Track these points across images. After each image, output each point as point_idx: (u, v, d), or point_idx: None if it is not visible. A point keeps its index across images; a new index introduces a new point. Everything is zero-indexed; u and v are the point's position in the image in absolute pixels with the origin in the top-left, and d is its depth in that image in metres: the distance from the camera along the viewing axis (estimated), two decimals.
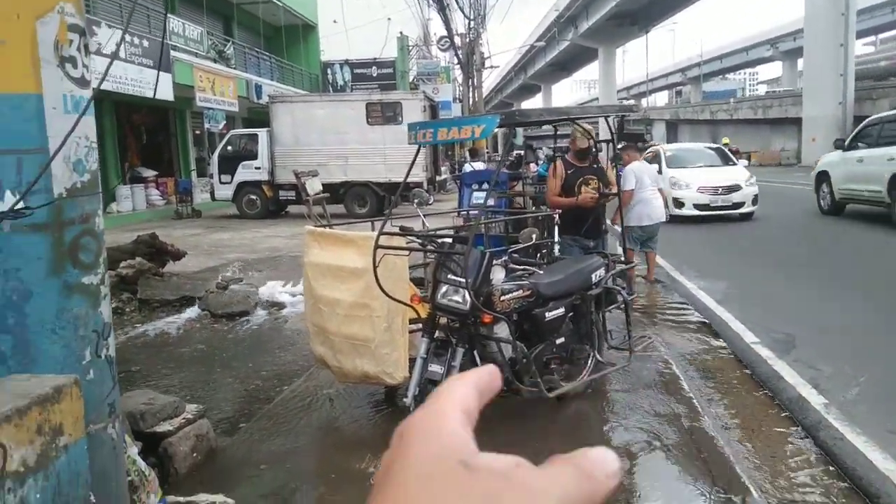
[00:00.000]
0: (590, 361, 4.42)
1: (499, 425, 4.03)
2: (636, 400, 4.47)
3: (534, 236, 4.05)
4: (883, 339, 5.72)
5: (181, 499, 3.26)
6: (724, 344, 5.72)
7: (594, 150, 5.62)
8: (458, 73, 38.70)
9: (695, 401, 4.44)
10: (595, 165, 5.66)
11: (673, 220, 12.27)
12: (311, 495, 3.35)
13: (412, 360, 3.96)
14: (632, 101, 78.56)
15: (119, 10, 16.25)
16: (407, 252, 3.97)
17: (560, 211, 5.34)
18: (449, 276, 3.54)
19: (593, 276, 4.32)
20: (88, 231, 2.41)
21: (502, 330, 3.79)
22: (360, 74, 33.04)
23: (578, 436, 3.99)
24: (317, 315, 4.32)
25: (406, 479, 0.37)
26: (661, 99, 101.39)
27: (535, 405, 4.31)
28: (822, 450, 3.77)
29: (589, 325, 4.33)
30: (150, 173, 19.41)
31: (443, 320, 3.72)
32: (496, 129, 3.81)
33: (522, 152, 14.93)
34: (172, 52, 17.12)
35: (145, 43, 15.30)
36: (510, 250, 3.89)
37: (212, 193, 18.63)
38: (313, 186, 8.59)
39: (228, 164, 17.88)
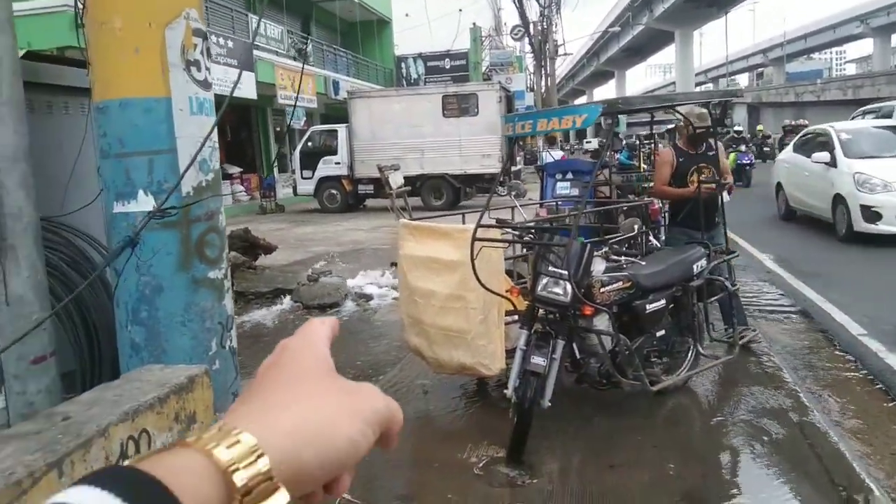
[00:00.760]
0: (691, 354, 4.31)
1: (597, 417, 4.01)
2: (738, 394, 4.34)
3: (636, 227, 3.97)
4: None
5: None
6: (827, 336, 5.48)
7: (710, 133, 5.20)
8: (529, 62, 38.37)
9: (801, 395, 4.28)
10: (710, 153, 5.21)
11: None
12: (418, 484, 3.41)
13: (508, 352, 3.96)
14: (735, 86, 75.82)
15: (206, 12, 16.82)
16: (504, 244, 3.96)
17: (659, 202, 5.20)
18: (550, 267, 3.51)
19: (694, 266, 4.20)
20: (213, 228, 2.52)
21: (602, 322, 3.73)
22: (434, 67, 33.18)
23: (678, 431, 3.91)
24: (412, 306, 4.37)
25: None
26: (741, 82, 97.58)
27: (633, 398, 4.25)
28: None
29: (690, 317, 4.22)
30: (234, 170, 20.09)
31: (541, 312, 3.70)
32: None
33: (628, 140, 14.70)
34: (255, 52, 17.64)
35: (230, 44, 15.81)
36: (610, 241, 3.82)
37: (294, 188, 19.14)
38: (396, 180, 8.67)
39: (309, 160, 18.31)
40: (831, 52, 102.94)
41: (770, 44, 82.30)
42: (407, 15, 34.98)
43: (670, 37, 68.04)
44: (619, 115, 7.15)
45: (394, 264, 6.39)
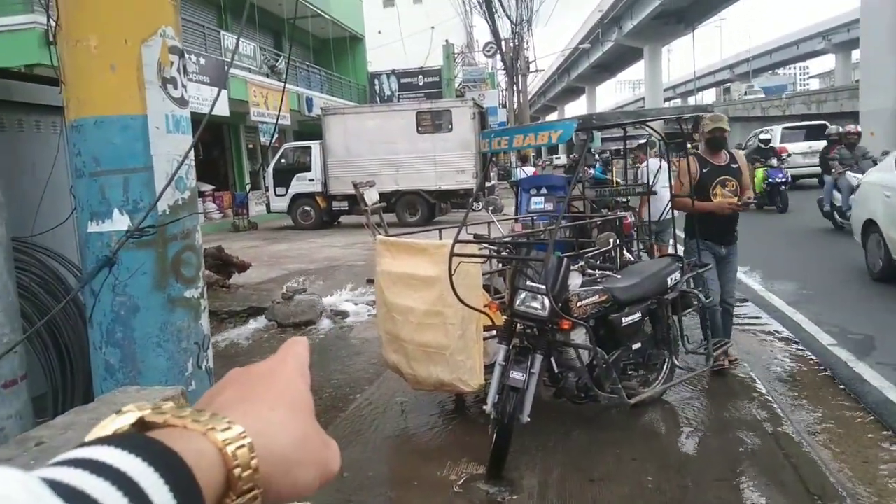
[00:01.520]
0: (666, 367, 4.36)
1: (576, 431, 4.02)
2: (714, 405, 4.39)
3: (611, 241, 4.02)
4: None
5: None
6: (800, 347, 5.57)
7: (727, 139, 5.04)
8: (502, 79, 38.72)
9: (775, 406, 4.34)
10: (733, 165, 4.97)
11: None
12: (397, 503, 3.38)
13: (487, 368, 3.97)
14: (709, 101, 77.22)
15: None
16: (481, 260, 3.98)
17: (632, 216, 5.23)
18: (527, 282, 3.53)
19: (669, 279, 4.26)
20: (189, 246, 2.50)
21: (579, 336, 3.76)
22: (407, 84, 33.35)
23: (656, 443, 3.93)
24: (389, 323, 4.36)
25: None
26: (708, 97, 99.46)
27: (611, 411, 4.28)
28: None
29: (665, 329, 4.27)
30: (206, 187, 19.91)
31: (519, 327, 3.72)
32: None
33: (602, 155, 14.68)
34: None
35: (202, 61, 15.73)
36: (586, 255, 3.86)
37: (267, 206, 19.02)
38: (371, 196, 8.67)
39: (283, 177, 18.24)
40: (795, 68, 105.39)
41: (736, 59, 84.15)
42: (380, 32, 35.14)
43: (639, 53, 69.18)
44: (594, 131, 7.25)
45: (370, 281, 6.37)
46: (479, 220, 5.38)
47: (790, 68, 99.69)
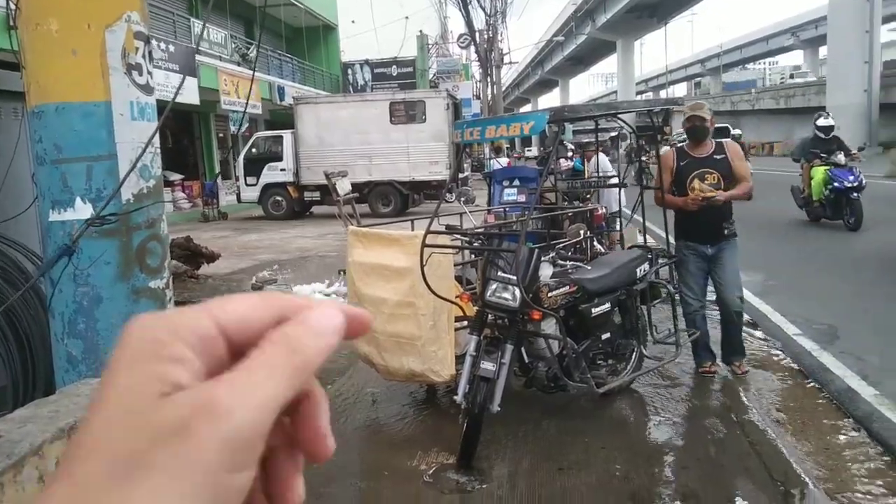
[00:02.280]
0: (634, 356, 4.41)
1: (546, 421, 4.05)
2: (681, 394, 4.45)
3: (581, 232, 4.05)
4: None
5: None
6: (766, 337, 5.67)
7: (708, 129, 4.60)
8: (476, 70, 38.70)
9: (741, 394, 4.41)
10: (717, 156, 4.56)
11: None
12: (367, 493, 3.38)
13: (458, 358, 3.98)
14: (680, 94, 77.94)
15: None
16: (453, 251, 3.98)
17: (603, 208, 5.24)
18: (499, 273, 3.54)
19: (638, 270, 4.30)
20: (154, 236, 2.45)
21: (549, 326, 3.78)
22: (380, 74, 33.13)
23: (624, 432, 3.98)
24: None
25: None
26: (679, 91, 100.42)
27: (578, 401, 4.31)
28: (877, 441, 3.73)
29: (634, 320, 4.31)
30: (175, 177, 19.62)
31: (490, 317, 3.73)
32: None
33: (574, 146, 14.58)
34: (197, 56, 17.28)
35: (171, 48, 15.46)
36: (557, 246, 3.88)
37: (238, 195, 18.81)
38: (343, 187, 8.62)
39: (254, 167, 18.04)
40: (765, 63, 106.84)
41: (707, 54, 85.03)
42: (353, 21, 34.83)
43: (612, 46, 69.61)
44: (566, 123, 7.28)
45: (342, 272, 6.33)
46: (451, 211, 5.37)
47: (760, 63, 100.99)
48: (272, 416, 0.31)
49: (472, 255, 4.62)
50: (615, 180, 7.47)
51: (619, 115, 4.67)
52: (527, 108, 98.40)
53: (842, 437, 3.85)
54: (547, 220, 5.82)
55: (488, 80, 33.79)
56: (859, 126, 30.19)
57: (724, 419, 4.01)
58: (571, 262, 4.07)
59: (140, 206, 2.35)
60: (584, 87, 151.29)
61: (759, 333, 5.77)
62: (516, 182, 7.55)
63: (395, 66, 33.20)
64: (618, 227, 7.68)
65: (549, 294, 3.71)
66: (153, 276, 2.47)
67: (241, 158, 18.54)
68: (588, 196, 7.72)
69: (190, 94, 15.99)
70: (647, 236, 4.97)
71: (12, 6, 2.42)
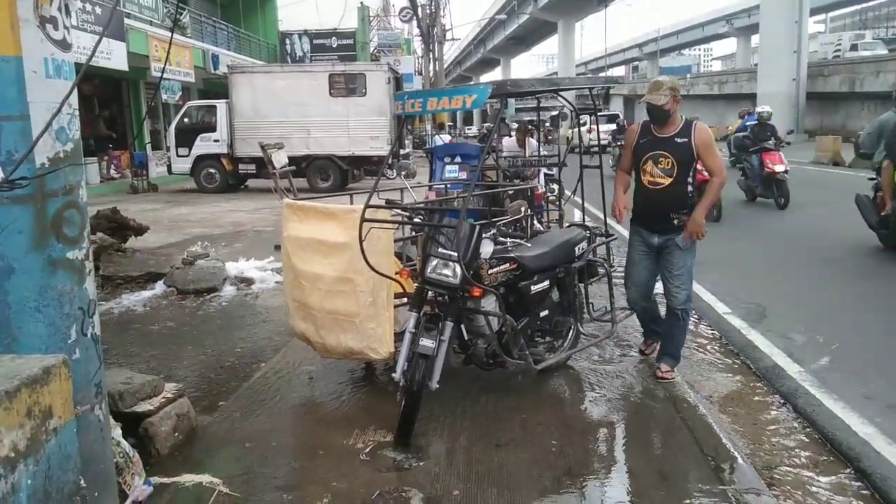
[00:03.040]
0: (572, 333, 4.44)
1: (484, 397, 4.04)
2: (616, 371, 4.51)
3: (522, 209, 4.02)
4: (849, 307, 5.89)
5: (167, 480, 3.17)
6: (697, 316, 5.81)
7: (668, 111, 4.09)
8: (418, 46, 38.28)
9: (674, 372, 4.50)
10: (679, 139, 4.09)
11: None
12: (301, 472, 3.29)
13: (397, 335, 3.91)
14: (619, 74, 78.89)
15: None
16: (393, 226, 3.89)
17: (542, 187, 5.22)
18: (439, 249, 3.48)
19: (576, 248, 4.31)
20: (72, 203, 2.28)
21: (489, 303, 3.76)
22: (320, 45, 32.38)
23: (561, 408, 4.00)
24: (297, 290, 4.23)
25: None
26: (618, 74, 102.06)
27: (516, 377, 4.32)
28: (802, 416, 3.87)
29: (572, 297, 4.33)
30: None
31: (430, 294, 3.67)
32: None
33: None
34: (126, 21, 16.48)
35: (97, 10, 14.68)
36: (498, 223, 3.84)
37: (168, 167, 18.15)
38: (279, 159, 8.36)
39: (186, 137, 17.44)
40: (700, 49, 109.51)
41: (646, 38, 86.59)
42: None
43: (553, 27, 70.08)
44: (509, 99, 7.23)
45: (278, 247, 6.16)
46: (392, 187, 5.27)
47: (695, 49, 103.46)
48: None
49: (413, 231, 4.55)
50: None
51: (561, 93, 4.64)
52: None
53: (769, 412, 3.98)
54: (488, 198, 5.78)
55: (430, 55, 33.48)
56: (787, 113, 31.26)
57: (656, 396, 4.08)
58: (511, 240, 4.04)
59: (55, 170, 2.17)
60: (526, 67, 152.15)
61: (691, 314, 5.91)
62: (458, 159, 7.49)
63: (334, 38, 32.52)
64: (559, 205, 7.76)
65: (490, 271, 3.68)
66: (71, 247, 2.29)
67: (171, 128, 17.88)
68: (528, 175, 7.74)
69: (118, 60, 15.28)
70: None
71: None
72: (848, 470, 3.31)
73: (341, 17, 32.54)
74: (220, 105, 17.38)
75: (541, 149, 8.70)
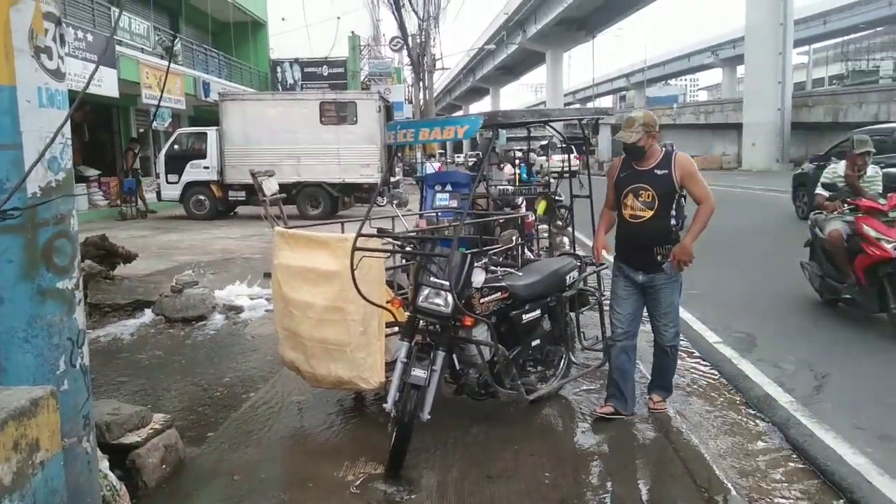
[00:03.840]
0: (563, 363, 4.42)
1: (475, 428, 4.01)
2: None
3: (514, 238, 4.03)
4: (840, 336, 5.91)
5: None
6: (688, 345, 5.81)
7: (642, 147, 3.96)
8: (408, 74, 38.66)
9: (666, 402, 4.48)
10: (659, 171, 3.95)
11: None
12: None
13: (388, 365, 3.89)
14: (606, 105, 79.75)
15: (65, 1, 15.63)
16: (385, 255, 3.89)
17: (533, 215, 5.25)
18: (431, 278, 3.48)
19: (567, 277, 4.32)
20: (63, 233, 2.27)
21: (481, 333, 3.74)
22: (311, 73, 32.63)
23: (553, 439, 3.98)
24: (287, 319, 4.20)
25: None
26: (605, 103, 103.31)
27: (507, 408, 4.29)
28: (793, 446, 3.86)
29: (563, 326, 4.33)
30: (92, 172, 18.72)
31: (422, 323, 3.66)
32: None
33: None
34: (118, 48, 16.56)
35: (90, 37, 14.74)
36: (490, 252, 3.84)
37: (158, 193, 18.11)
38: (270, 187, 8.38)
39: (176, 164, 17.42)
40: (686, 80, 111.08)
41: (632, 69, 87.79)
42: (283, 19, 34.27)
43: (542, 57, 71.04)
44: (500, 129, 7.28)
45: (267, 275, 6.13)
46: (383, 215, 5.28)
47: (681, 80, 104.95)
48: None
49: (404, 260, 4.54)
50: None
51: (551, 124, 4.69)
52: (458, 114, 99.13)
53: (761, 443, 3.97)
54: (479, 226, 5.80)
55: (420, 84, 33.78)
56: (773, 142, 31.73)
57: (649, 426, 4.06)
58: (503, 269, 4.05)
59: (47, 201, 2.16)
60: (514, 97, 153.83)
61: (683, 342, 5.91)
62: (448, 187, 7.52)
63: (325, 66, 32.79)
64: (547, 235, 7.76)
65: (482, 300, 3.67)
66: (61, 276, 2.28)
67: (161, 155, 17.87)
68: (519, 204, 7.77)
69: (109, 87, 15.31)
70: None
71: None
72: (841, 501, 3.29)
73: (332, 45, 32.87)
74: (211, 132, 17.41)
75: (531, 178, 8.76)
